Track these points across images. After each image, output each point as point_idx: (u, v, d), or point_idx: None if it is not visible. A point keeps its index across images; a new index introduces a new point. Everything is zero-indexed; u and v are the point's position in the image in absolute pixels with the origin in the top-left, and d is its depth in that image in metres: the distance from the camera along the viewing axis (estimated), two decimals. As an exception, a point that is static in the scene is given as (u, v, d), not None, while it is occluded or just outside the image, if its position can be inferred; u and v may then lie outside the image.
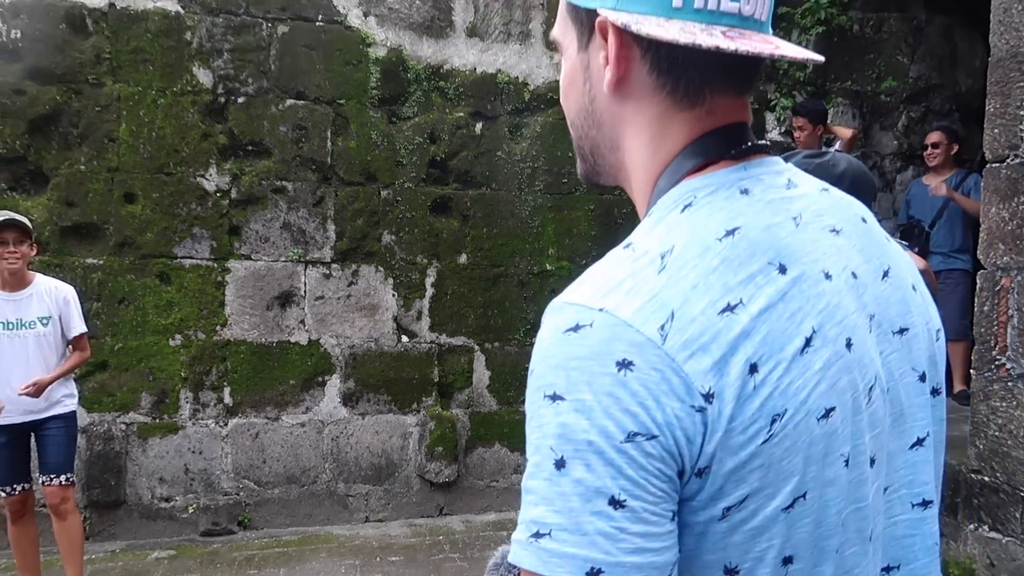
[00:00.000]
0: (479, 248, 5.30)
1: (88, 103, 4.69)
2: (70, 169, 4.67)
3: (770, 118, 5.90)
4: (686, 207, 0.70)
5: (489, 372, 5.34)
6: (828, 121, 5.35)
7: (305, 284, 5.03)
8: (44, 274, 3.92)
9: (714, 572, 0.65)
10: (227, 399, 4.91)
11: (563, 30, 0.80)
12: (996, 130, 3.47)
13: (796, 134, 5.22)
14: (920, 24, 5.92)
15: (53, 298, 3.72)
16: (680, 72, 0.71)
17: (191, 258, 4.85)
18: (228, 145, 4.90)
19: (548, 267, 5.42)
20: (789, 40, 5.87)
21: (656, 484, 0.61)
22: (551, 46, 5.42)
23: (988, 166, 3.48)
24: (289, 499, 5.02)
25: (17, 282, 3.66)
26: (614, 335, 0.62)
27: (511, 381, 5.36)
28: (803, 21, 5.78)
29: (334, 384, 5.08)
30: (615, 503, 0.60)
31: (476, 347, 5.32)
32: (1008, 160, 3.42)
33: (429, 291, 5.23)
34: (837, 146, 5.06)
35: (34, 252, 3.78)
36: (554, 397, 0.63)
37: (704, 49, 0.66)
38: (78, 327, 3.77)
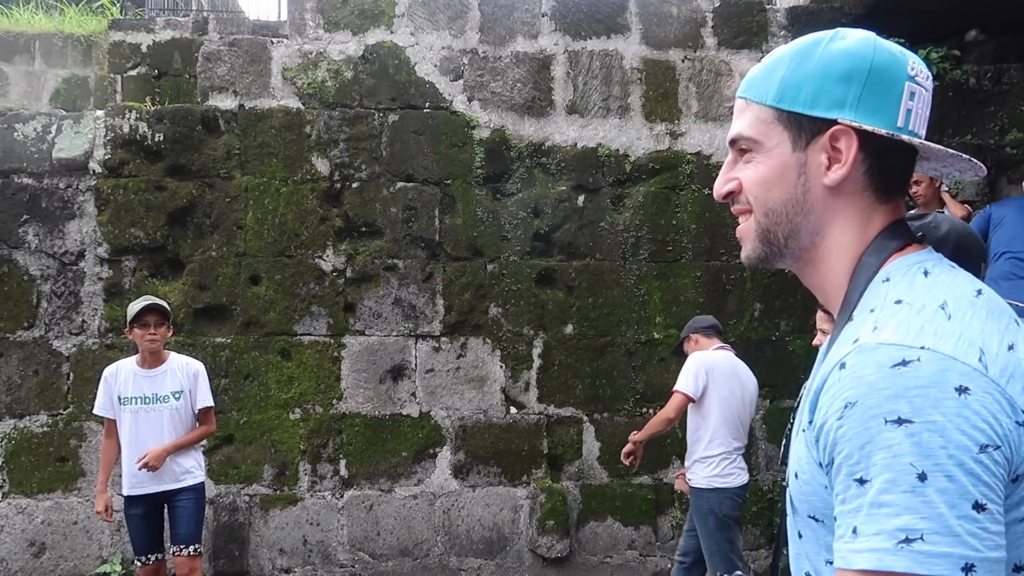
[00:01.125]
0: (585, 318, 5.30)
1: (219, 195, 5.10)
2: (203, 256, 5.05)
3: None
4: (927, 273, 0.87)
5: (599, 443, 5.26)
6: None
7: (416, 357, 5.17)
8: (178, 352, 4.22)
9: (1005, 569, 0.75)
10: (343, 471, 5.05)
11: (764, 132, 0.94)
12: None
13: (913, 189, 5.00)
14: (1041, 71, 5.64)
15: (185, 374, 3.98)
16: (888, 175, 0.92)
17: (310, 335, 5.09)
18: (343, 227, 5.18)
19: (656, 335, 5.35)
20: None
21: (1000, 489, 0.74)
22: (650, 117, 5.50)
23: None
24: (403, 572, 5.04)
25: (154, 360, 3.97)
26: (944, 367, 0.76)
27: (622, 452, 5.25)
28: (912, 76, 5.63)
29: (445, 456, 5.13)
30: (978, 507, 0.72)
31: (585, 418, 5.27)
32: None
33: (536, 362, 5.25)
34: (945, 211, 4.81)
35: (171, 333, 4.08)
36: (899, 421, 0.74)
37: (907, 162, 0.94)
38: (204, 400, 4.00)
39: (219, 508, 4.90)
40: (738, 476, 4.00)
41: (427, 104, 5.34)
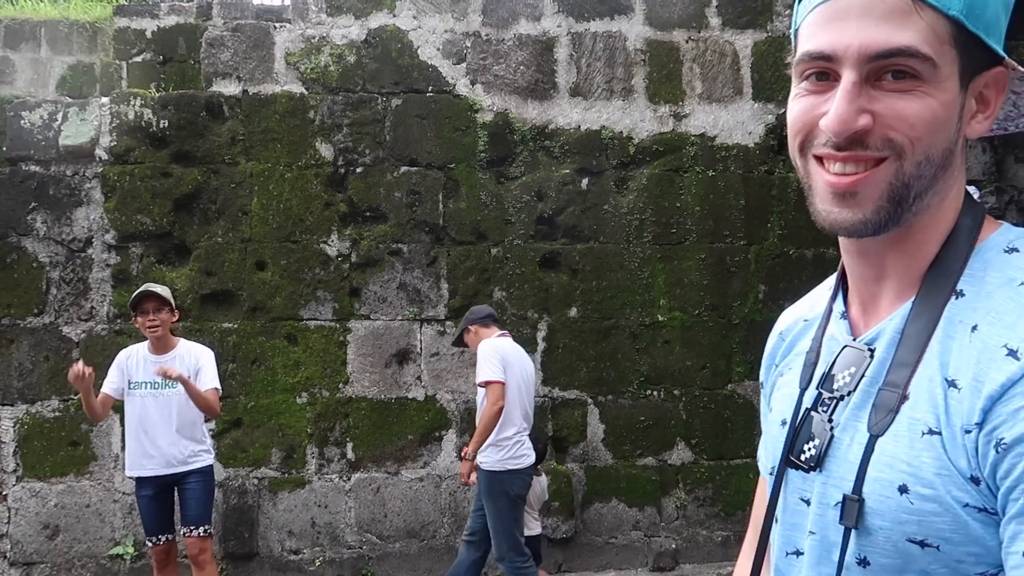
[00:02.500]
0: (589, 301, 5.32)
1: (225, 181, 5.12)
2: (209, 242, 5.09)
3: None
4: None
5: (604, 425, 5.29)
6: None
7: (421, 341, 5.21)
8: (187, 338, 4.26)
9: None
10: (350, 454, 5.10)
11: (940, 53, 0.73)
12: None
13: None
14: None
15: (193, 359, 4.02)
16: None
17: (316, 319, 5.13)
18: (348, 212, 5.20)
19: (660, 318, 5.36)
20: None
21: None
22: (654, 99, 5.48)
23: None
24: (410, 553, 5.10)
25: (162, 346, 4.01)
26: None
27: (626, 434, 5.29)
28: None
29: (450, 439, 5.18)
30: None
31: (590, 400, 5.30)
32: None
33: (541, 345, 5.28)
34: None
35: (175, 318, 4.11)
36: None
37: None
38: (209, 382, 4.00)
39: (228, 491, 4.97)
40: (528, 457, 4.16)
41: (430, 88, 5.34)
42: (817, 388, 0.84)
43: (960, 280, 0.74)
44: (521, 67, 5.42)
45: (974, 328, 0.71)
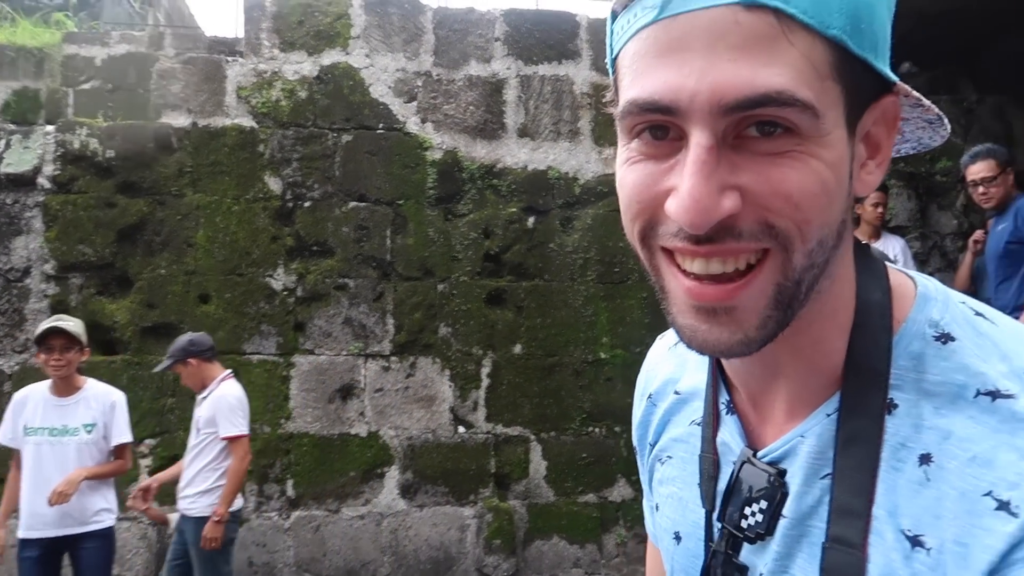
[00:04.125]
0: (534, 338, 5.39)
1: (171, 212, 5.10)
2: (152, 273, 5.04)
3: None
4: (981, 315, 0.58)
5: (546, 462, 5.33)
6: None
7: (365, 377, 5.21)
8: (126, 373, 4.17)
9: None
10: (290, 492, 5.05)
11: (821, 95, 0.51)
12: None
13: (870, 212, 4.97)
14: (971, 105, 5.89)
15: (100, 404, 3.65)
16: None
17: (259, 354, 5.10)
18: (295, 246, 5.21)
19: (603, 355, 5.45)
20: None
21: None
22: (599, 141, 5.63)
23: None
24: (349, 592, 5.05)
25: (66, 387, 3.61)
26: None
27: (568, 471, 5.34)
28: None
29: (393, 476, 5.16)
30: None
31: (532, 437, 5.34)
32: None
33: (485, 381, 5.32)
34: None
35: (84, 356, 3.73)
36: None
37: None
38: (121, 435, 3.67)
39: (163, 530, 4.86)
40: (239, 499, 4.00)
41: (381, 125, 5.40)
42: (719, 520, 0.66)
43: (891, 385, 0.55)
44: (471, 107, 5.53)
45: (926, 459, 0.53)
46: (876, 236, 4.92)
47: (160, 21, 9.00)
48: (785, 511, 0.60)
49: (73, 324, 3.68)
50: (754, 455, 0.64)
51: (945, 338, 0.55)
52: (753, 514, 0.62)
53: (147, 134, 5.17)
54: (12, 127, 5.33)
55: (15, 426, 3.59)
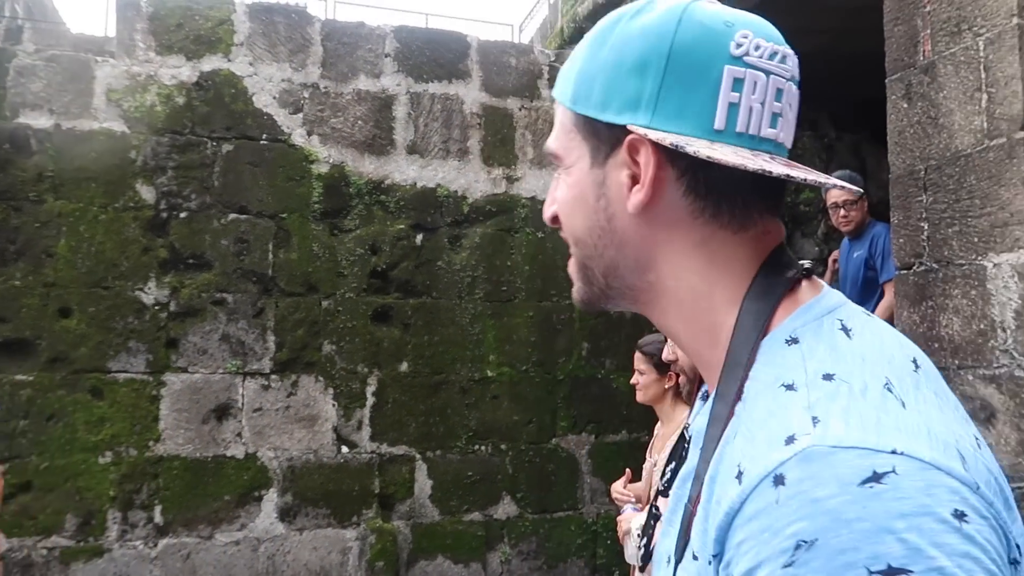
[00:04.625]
0: (420, 356, 5.34)
1: (27, 219, 4.72)
2: (4, 285, 4.64)
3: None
4: (847, 330, 0.64)
5: (431, 481, 5.28)
6: None
7: (243, 396, 4.99)
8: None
9: None
10: (157, 518, 4.74)
11: (565, 144, 0.74)
12: (901, 240, 3.72)
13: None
14: (831, 141, 6.38)
15: None
16: (720, 196, 0.69)
17: (126, 372, 4.79)
18: (169, 259, 4.94)
19: (489, 373, 5.47)
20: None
21: None
22: (488, 161, 5.69)
23: (898, 274, 3.71)
24: (221, 624, 4.79)
25: None
26: (930, 482, 0.53)
27: (453, 490, 5.30)
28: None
29: (271, 499, 4.96)
30: None
31: (418, 456, 5.27)
32: (914, 267, 3.66)
33: (370, 400, 5.22)
34: None
35: None
36: (893, 571, 0.49)
37: (760, 174, 0.65)
38: None
39: (10, 564, 4.45)
40: None
41: (264, 136, 5.24)
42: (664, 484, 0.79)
43: (746, 378, 0.64)
44: (359, 121, 5.46)
45: (735, 438, 0.62)
46: None
47: (19, 13, 8.37)
48: (680, 473, 0.74)
49: None
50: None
51: (792, 342, 0.64)
52: (665, 474, 0.80)
53: (2, 134, 4.79)
54: None
55: None
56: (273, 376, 5.04)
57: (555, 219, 0.77)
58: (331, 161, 5.36)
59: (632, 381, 2.97)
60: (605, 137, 0.71)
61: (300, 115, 5.35)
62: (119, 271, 4.84)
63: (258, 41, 5.33)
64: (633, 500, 2.93)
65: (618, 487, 3.00)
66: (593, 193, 0.72)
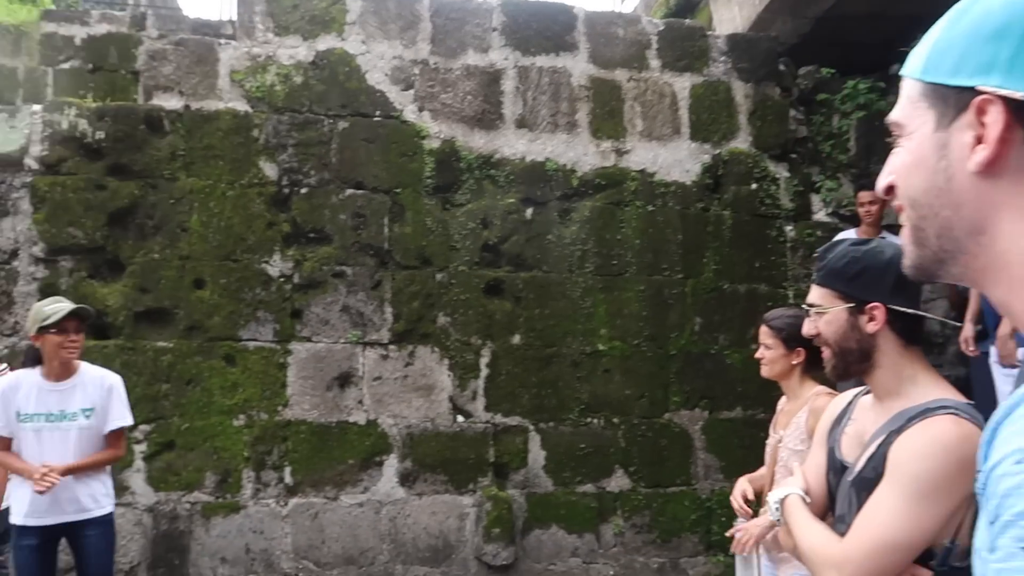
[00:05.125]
0: (532, 329, 5.39)
1: (163, 196, 4.98)
2: (145, 258, 4.92)
3: (816, 199, 6.01)
4: None
5: (545, 452, 5.34)
6: None
7: (363, 365, 5.15)
8: (119, 358, 4.05)
9: None
10: (287, 479, 4.98)
11: (910, 112, 0.81)
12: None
13: (866, 210, 5.23)
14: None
15: (98, 388, 3.55)
16: None
17: (255, 340, 5.01)
18: (291, 233, 5.13)
19: (600, 347, 5.48)
20: (830, 125, 6.06)
21: None
22: (597, 134, 5.66)
23: None
24: (346, 582, 5.00)
25: (64, 372, 3.50)
26: None
27: (566, 461, 5.35)
28: (843, 107, 5.96)
29: (391, 464, 5.12)
30: None
31: (531, 427, 5.34)
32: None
33: (484, 371, 5.31)
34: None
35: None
36: None
37: None
38: (118, 420, 3.56)
39: (159, 516, 4.76)
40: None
41: (377, 112, 5.36)
42: None
43: None
44: (468, 97, 5.51)
45: None
46: (877, 232, 5.04)
47: (141, 2, 8.79)
48: None
49: (86, 307, 3.61)
50: None
51: None
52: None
53: (138, 116, 5.05)
54: (-3, 105, 5.16)
55: (6, 413, 3.46)
56: (391, 346, 5.19)
57: (889, 189, 0.82)
58: (442, 136, 5.43)
59: (757, 355, 2.91)
60: (952, 101, 0.75)
61: (411, 91, 5.44)
62: (246, 245, 5.06)
63: (369, 19, 5.44)
64: (749, 515, 2.88)
65: (738, 497, 2.95)
66: (934, 155, 0.77)
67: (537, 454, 5.33)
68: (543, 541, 5.28)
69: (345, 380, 5.12)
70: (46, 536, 3.44)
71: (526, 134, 5.58)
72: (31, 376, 3.53)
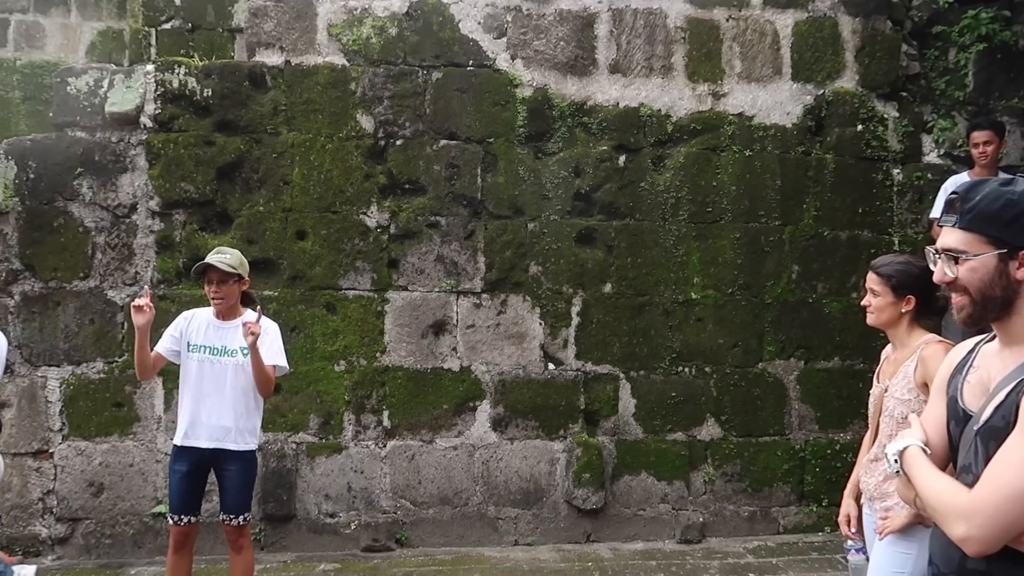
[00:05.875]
0: (624, 278, 5.38)
1: (267, 151, 5.19)
2: (251, 210, 5.16)
3: (927, 140, 5.68)
4: None
5: (635, 400, 5.37)
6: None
7: (457, 313, 5.29)
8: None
9: None
10: (386, 422, 5.21)
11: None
12: None
13: (980, 151, 4.95)
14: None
15: (259, 331, 3.71)
16: None
17: (354, 289, 5.22)
18: (387, 184, 5.26)
19: (693, 296, 5.42)
20: (945, 59, 5.66)
21: None
22: (693, 77, 5.50)
23: None
24: (443, 520, 5.23)
25: (228, 313, 3.85)
26: None
27: (657, 409, 5.37)
28: (961, 39, 5.55)
29: (484, 409, 5.28)
30: None
31: (622, 375, 5.37)
32: None
33: (575, 320, 5.35)
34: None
35: (244, 286, 3.89)
36: None
37: None
38: (272, 357, 3.79)
39: (268, 455, 5.09)
40: None
41: (470, 62, 5.36)
42: None
43: None
44: (561, 43, 5.44)
45: None
46: (992, 174, 4.73)
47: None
48: None
49: (228, 257, 3.82)
50: None
51: None
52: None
53: (242, 73, 5.24)
54: (114, 67, 5.46)
55: (178, 342, 3.84)
56: (484, 295, 5.29)
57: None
58: (534, 84, 5.40)
59: (863, 303, 2.82)
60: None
61: (504, 39, 5.41)
62: (345, 196, 5.22)
63: (461, -34, 5.40)
64: (857, 540, 2.82)
65: (843, 523, 2.89)
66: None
67: (627, 402, 5.37)
68: (632, 487, 5.35)
69: (439, 328, 5.27)
70: (197, 463, 3.80)
71: (620, 79, 5.48)
72: (205, 313, 3.91)
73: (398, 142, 5.28)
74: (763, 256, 5.46)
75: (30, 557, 4.93)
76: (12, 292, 5.00)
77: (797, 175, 5.51)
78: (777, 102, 5.54)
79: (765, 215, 5.47)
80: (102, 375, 5.06)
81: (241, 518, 3.82)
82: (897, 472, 1.74)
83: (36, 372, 5.01)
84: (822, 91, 5.57)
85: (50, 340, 5.04)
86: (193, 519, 3.84)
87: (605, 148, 5.40)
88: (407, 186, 5.28)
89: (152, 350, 3.85)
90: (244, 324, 3.65)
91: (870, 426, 2.87)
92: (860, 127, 5.57)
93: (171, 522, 3.83)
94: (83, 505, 5.03)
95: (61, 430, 5.03)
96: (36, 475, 5.00)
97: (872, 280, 2.77)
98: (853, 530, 2.82)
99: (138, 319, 3.67)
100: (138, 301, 3.68)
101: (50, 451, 5.03)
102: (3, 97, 8.03)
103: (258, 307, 3.85)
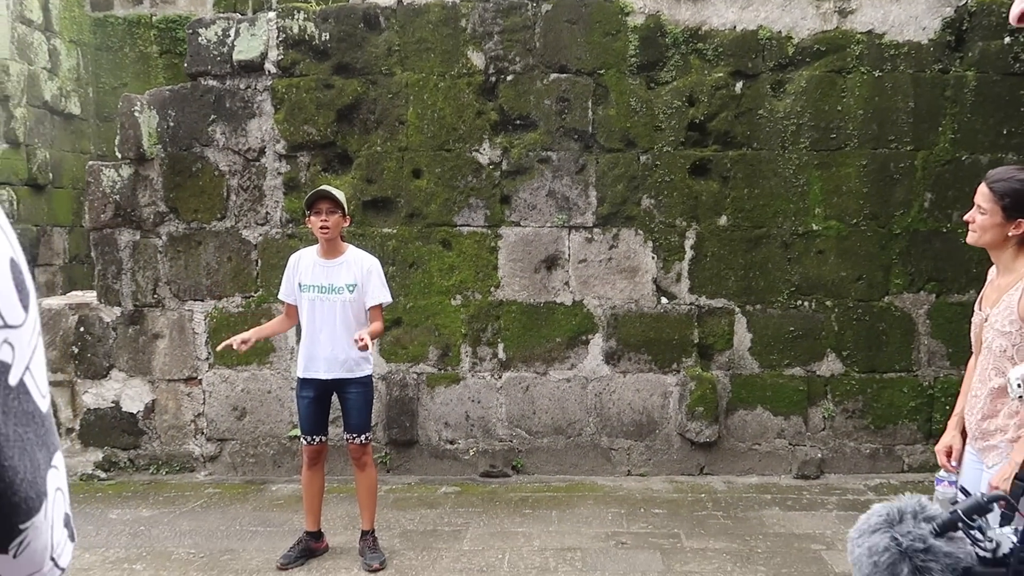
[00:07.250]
0: (740, 209, 5.23)
1: (382, 91, 5.32)
2: (369, 151, 5.35)
3: None
4: None
5: (751, 334, 5.28)
6: None
7: (569, 248, 5.33)
8: (350, 243, 4.52)
9: None
10: (501, 354, 5.37)
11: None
12: None
13: None
14: None
15: (360, 268, 4.03)
16: None
17: (468, 226, 5.34)
18: (499, 121, 5.30)
19: (814, 227, 5.21)
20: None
21: None
22: (817, -5, 5.17)
23: None
24: (557, 448, 5.38)
25: (332, 250, 4.04)
26: None
27: (774, 344, 5.26)
28: None
29: (597, 343, 5.34)
30: None
31: (737, 309, 5.28)
32: None
33: (688, 253, 5.28)
34: None
35: (346, 223, 4.18)
36: None
37: None
38: (376, 297, 4.04)
39: (391, 384, 5.38)
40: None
41: (580, -9, 5.26)
42: None
43: None
44: (676, -35, 5.22)
45: None
46: None
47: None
48: None
49: (336, 191, 4.08)
50: None
51: None
52: None
53: (356, 15, 5.36)
54: (239, 16, 5.71)
55: (290, 283, 4.13)
56: (596, 229, 5.30)
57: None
58: (646, 11, 5.24)
59: (966, 218, 2.55)
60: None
61: (613, -35, 5.25)
62: (458, 134, 5.31)
63: None
64: (952, 473, 2.64)
65: (942, 453, 2.72)
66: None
67: (743, 336, 5.29)
68: (747, 421, 5.31)
69: (552, 263, 5.34)
70: (319, 390, 4.10)
71: (737, 1, 5.23)
72: (310, 253, 4.15)
73: (508, 78, 5.29)
74: (892, 184, 5.16)
75: (185, 472, 5.48)
76: (160, 233, 5.44)
77: (932, 96, 5.12)
78: (912, 16, 5.14)
79: (895, 140, 5.14)
80: (240, 309, 5.46)
81: (363, 437, 4.10)
82: (1021, 397, 1.67)
83: (184, 306, 5.47)
84: (963, 1, 5.12)
85: (194, 277, 5.47)
86: (323, 438, 4.18)
87: (721, 75, 5.20)
88: (518, 122, 5.30)
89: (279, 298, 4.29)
90: (354, 340, 3.88)
91: (974, 354, 2.70)
92: (1007, 39, 5.09)
93: (304, 442, 4.18)
94: (229, 427, 5.51)
95: (207, 359, 5.49)
96: (188, 399, 5.51)
97: (982, 195, 2.48)
98: (954, 463, 2.68)
99: (244, 346, 4.11)
100: (237, 347, 4.11)
101: (199, 378, 5.51)
102: (142, 52, 8.57)
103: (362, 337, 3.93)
